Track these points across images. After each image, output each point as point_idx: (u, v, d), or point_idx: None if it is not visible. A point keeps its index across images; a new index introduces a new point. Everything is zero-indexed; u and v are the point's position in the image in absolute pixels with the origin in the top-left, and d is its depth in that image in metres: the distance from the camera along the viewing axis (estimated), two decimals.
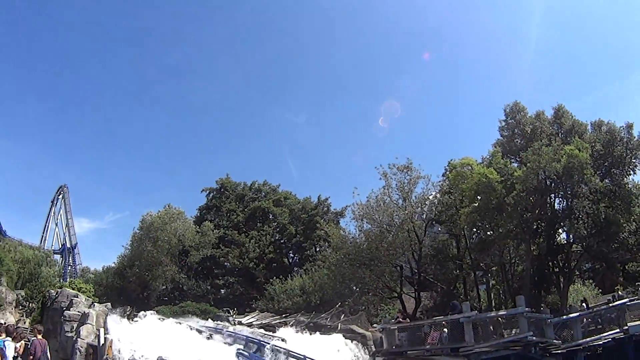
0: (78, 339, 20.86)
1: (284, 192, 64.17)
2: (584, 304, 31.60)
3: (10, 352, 13.33)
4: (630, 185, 31.54)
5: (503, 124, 36.21)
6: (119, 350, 20.65)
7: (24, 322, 25.05)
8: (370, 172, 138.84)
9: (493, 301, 36.71)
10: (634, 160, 31.67)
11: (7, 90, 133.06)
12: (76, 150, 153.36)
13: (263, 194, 64.29)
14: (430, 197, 34.96)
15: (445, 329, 24.20)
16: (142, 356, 19.17)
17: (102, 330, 20.92)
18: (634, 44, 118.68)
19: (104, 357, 18.39)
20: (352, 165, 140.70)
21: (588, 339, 25.34)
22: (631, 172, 32.02)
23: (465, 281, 36.94)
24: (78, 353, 20.33)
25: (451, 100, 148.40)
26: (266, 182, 65.92)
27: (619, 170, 31.65)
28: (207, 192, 64.36)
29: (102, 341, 19.89)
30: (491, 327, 24.34)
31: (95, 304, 25.65)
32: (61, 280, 39.60)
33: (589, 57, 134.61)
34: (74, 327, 21.93)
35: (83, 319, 22.05)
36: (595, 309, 29.03)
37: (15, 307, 32.43)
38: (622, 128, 32.10)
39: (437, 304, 36.08)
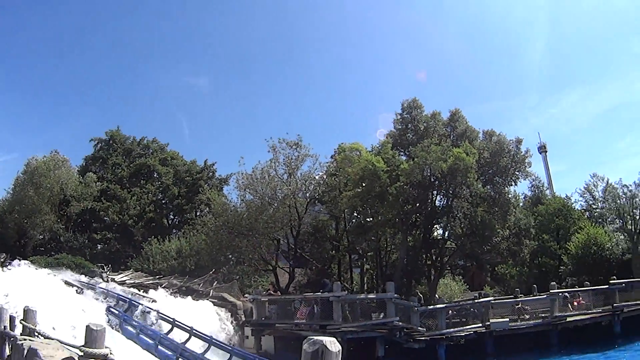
0: None
1: (171, 151, 62.34)
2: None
3: None
4: (510, 195, 33.38)
5: (398, 117, 36.78)
6: None
7: None
8: (259, 145, 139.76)
9: (365, 284, 37.61)
10: (517, 173, 33.62)
11: None
12: None
13: (150, 151, 62.17)
14: (317, 177, 35.36)
15: (316, 306, 24.87)
16: (7, 303, 18.42)
17: None
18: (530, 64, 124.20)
19: None
20: (243, 135, 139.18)
21: (451, 330, 27.13)
22: (512, 184, 34.19)
23: (341, 262, 37.65)
24: None
25: (352, 89, 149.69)
26: (155, 140, 63.93)
27: (502, 180, 33.33)
28: (95, 142, 61.69)
29: None
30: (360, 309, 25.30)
31: None
32: None
33: (491, 68, 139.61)
34: None
35: None
36: (461, 303, 30.72)
37: None
38: (511, 141, 33.93)
39: (311, 281, 36.57)
